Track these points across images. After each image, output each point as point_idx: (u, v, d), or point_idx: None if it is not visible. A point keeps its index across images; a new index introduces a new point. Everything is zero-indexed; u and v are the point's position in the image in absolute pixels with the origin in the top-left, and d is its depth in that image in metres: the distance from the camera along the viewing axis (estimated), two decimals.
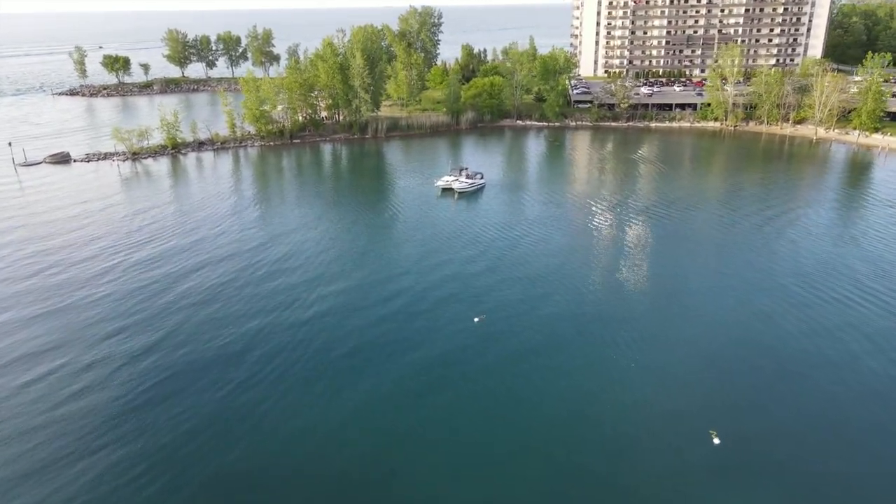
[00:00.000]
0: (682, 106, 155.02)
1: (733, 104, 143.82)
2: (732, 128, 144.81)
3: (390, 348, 55.97)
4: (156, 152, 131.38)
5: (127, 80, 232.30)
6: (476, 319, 60.37)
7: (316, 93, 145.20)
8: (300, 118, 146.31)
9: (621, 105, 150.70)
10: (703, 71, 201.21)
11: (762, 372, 51.73)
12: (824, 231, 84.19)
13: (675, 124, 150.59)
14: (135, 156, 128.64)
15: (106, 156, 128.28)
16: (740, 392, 49.24)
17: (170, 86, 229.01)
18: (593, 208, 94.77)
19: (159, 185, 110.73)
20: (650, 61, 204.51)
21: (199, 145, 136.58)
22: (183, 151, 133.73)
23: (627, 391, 49.36)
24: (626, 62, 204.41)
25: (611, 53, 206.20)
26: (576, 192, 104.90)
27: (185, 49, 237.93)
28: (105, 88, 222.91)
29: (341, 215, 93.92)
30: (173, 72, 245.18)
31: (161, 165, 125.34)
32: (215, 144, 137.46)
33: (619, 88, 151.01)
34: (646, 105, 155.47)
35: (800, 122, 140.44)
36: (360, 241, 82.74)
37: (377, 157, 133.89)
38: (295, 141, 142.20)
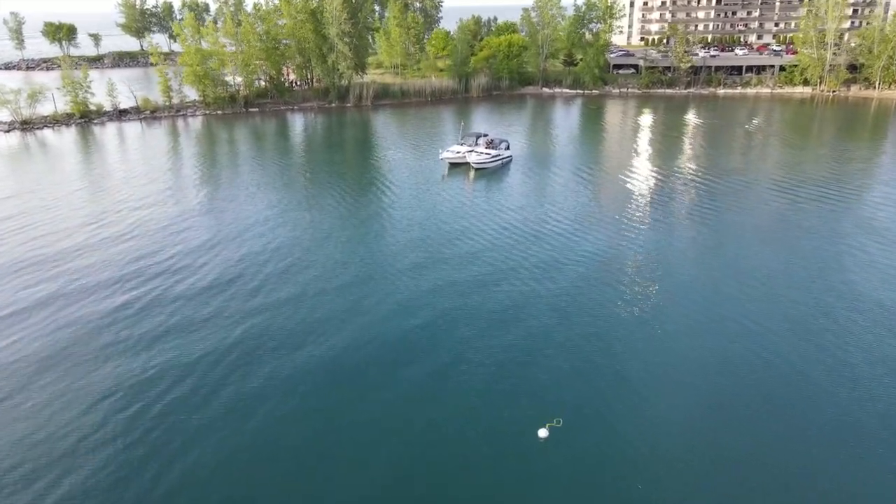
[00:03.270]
0: (758, 69, 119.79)
1: (831, 64, 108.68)
2: (830, 93, 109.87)
3: None
4: (57, 121, 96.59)
5: (74, 52, 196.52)
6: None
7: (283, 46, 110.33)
8: (262, 82, 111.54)
9: (681, 65, 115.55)
10: (760, 37, 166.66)
11: None
12: None
13: (749, 90, 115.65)
14: (25, 125, 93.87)
15: None
16: None
17: (124, 59, 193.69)
18: (665, 197, 60.24)
19: (51, 164, 75.93)
20: (696, 26, 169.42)
21: (121, 114, 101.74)
22: (97, 121, 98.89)
23: None
24: (666, 27, 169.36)
25: (648, 17, 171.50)
26: (636, 175, 69.76)
27: (143, 17, 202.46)
28: (45, 62, 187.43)
29: (304, 207, 58.98)
30: (132, 44, 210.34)
31: (63, 138, 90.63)
32: (143, 113, 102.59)
33: (680, 41, 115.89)
34: (709, 68, 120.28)
35: None
36: (325, 251, 47.94)
37: (361, 127, 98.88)
38: (252, 110, 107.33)
